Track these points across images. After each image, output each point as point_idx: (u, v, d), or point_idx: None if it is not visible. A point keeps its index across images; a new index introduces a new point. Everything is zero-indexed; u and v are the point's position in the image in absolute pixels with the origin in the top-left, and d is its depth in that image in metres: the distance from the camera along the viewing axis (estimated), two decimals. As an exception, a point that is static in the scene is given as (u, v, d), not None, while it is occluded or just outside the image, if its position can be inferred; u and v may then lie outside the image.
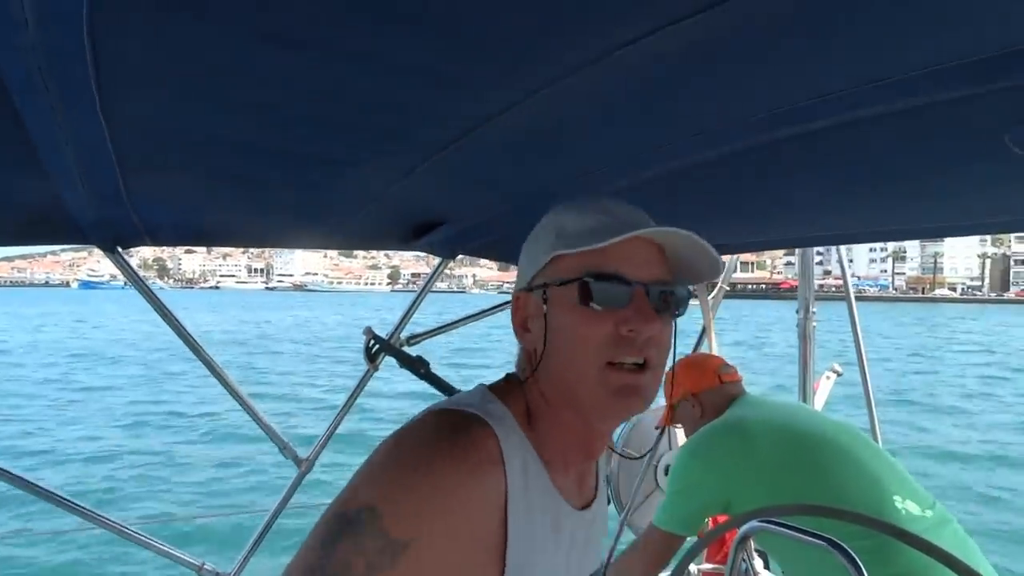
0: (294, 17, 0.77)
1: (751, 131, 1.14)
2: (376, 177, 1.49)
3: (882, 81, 0.93)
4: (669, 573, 1.53)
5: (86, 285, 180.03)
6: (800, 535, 1.27)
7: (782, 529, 1.31)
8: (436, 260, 2.64)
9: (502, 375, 1.09)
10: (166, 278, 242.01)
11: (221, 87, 0.99)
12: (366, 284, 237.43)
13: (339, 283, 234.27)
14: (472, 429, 0.95)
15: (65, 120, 1.05)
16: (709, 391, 2.38)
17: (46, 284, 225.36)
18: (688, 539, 2.16)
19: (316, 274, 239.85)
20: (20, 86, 0.90)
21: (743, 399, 2.35)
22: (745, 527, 1.36)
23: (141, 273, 2.29)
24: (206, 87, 0.99)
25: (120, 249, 2.12)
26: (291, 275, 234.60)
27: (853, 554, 1.19)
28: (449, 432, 0.94)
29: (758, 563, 2.73)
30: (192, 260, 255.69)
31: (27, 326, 46.59)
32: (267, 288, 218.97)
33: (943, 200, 1.68)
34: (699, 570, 3.14)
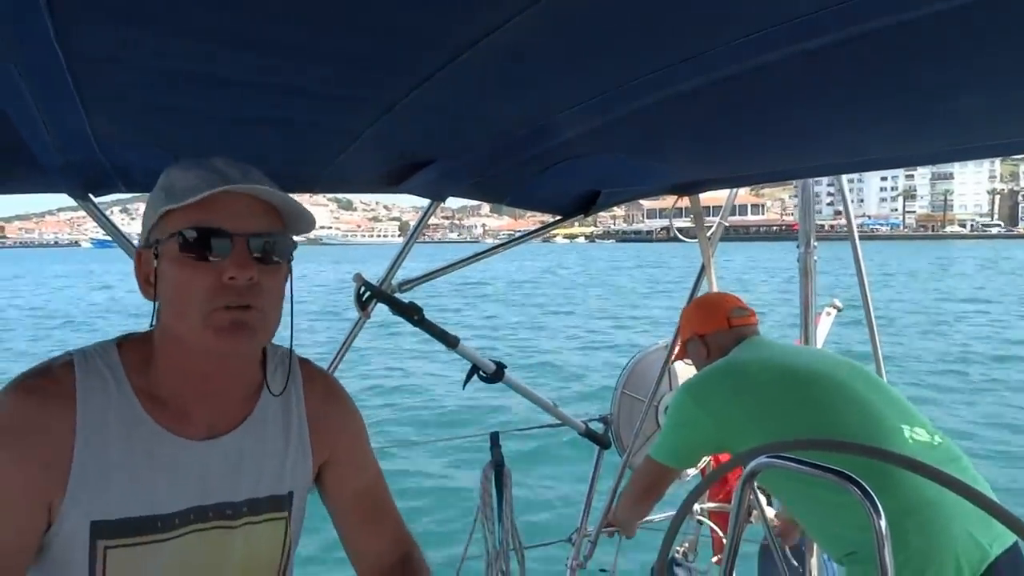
0: None
1: (746, 52, 1.04)
2: (356, 112, 1.40)
3: None
4: (674, 513, 1.47)
5: (101, 244, 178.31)
6: (812, 470, 1.21)
7: (792, 464, 1.25)
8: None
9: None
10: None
11: (185, 12, 0.89)
12: (379, 236, 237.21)
13: (353, 236, 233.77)
14: (50, 371, 1.09)
15: (18, 53, 0.96)
16: (717, 333, 2.37)
17: (55, 244, 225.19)
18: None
19: (330, 228, 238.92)
20: None
21: (749, 341, 2.32)
22: (752, 463, 1.30)
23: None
24: (169, 13, 0.90)
25: (92, 196, 2.05)
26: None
27: (868, 488, 1.12)
28: (28, 375, 1.09)
29: (762, 500, 2.70)
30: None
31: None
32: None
33: (968, 119, 1.55)
34: (703, 509, 3.12)
